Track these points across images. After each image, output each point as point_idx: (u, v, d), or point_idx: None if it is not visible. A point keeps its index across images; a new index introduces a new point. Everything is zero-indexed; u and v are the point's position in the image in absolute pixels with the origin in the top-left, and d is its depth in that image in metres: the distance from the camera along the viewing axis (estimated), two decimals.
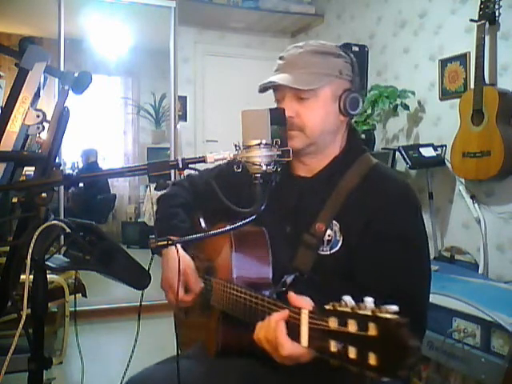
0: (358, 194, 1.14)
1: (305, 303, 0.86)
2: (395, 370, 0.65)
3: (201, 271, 1.27)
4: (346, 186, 1.16)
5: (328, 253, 1.14)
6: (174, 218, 1.31)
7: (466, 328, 1.99)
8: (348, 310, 0.72)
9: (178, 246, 1.24)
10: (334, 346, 0.73)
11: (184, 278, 1.21)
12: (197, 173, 1.43)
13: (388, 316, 0.67)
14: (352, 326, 0.70)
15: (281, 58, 1.20)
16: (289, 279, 1.12)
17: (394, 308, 0.69)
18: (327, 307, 0.76)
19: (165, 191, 1.39)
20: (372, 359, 0.67)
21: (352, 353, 0.70)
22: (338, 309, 0.74)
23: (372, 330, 0.67)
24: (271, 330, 0.88)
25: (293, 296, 0.89)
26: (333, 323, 0.73)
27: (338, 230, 1.14)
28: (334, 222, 1.15)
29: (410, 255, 1.11)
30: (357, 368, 0.70)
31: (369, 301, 0.71)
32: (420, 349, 1.05)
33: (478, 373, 1.92)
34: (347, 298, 0.74)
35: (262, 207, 1.00)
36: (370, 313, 0.69)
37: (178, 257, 1.15)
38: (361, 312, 0.70)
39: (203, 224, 1.32)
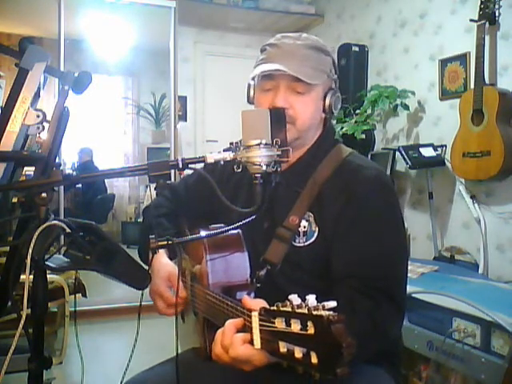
0: (332, 184, 1.15)
1: (255, 305, 0.86)
2: (333, 367, 0.65)
3: (188, 277, 1.27)
4: (319, 177, 1.17)
5: (303, 244, 1.15)
6: (157, 227, 1.31)
7: (466, 328, 1.99)
8: (289, 309, 0.72)
9: (163, 252, 1.24)
10: (283, 347, 0.73)
11: (170, 284, 1.20)
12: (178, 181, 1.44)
13: (321, 313, 0.66)
14: (295, 326, 0.70)
15: (271, 46, 1.18)
16: (261, 273, 1.13)
17: (332, 304, 0.69)
18: (273, 308, 0.76)
19: (148, 204, 1.40)
20: (314, 358, 0.67)
21: (298, 352, 0.70)
22: (281, 309, 0.74)
23: (310, 329, 0.67)
24: (223, 335, 0.89)
25: (246, 299, 0.90)
26: (280, 324, 0.73)
27: (313, 221, 1.15)
28: (309, 213, 1.15)
29: (385, 236, 1.11)
30: (303, 367, 0.70)
31: (311, 298, 0.71)
32: (393, 335, 1.05)
33: (477, 373, 1.92)
34: (292, 297, 0.74)
35: (263, 207, 1.00)
36: (306, 311, 0.69)
37: (179, 258, 1.15)
38: (299, 311, 0.70)
39: (187, 230, 1.32)
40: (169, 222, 1.34)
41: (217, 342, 0.91)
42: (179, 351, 1.13)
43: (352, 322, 0.68)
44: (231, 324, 0.89)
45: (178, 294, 1.18)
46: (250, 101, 1.25)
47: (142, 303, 1.11)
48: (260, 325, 0.80)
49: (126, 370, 1.16)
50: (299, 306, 0.71)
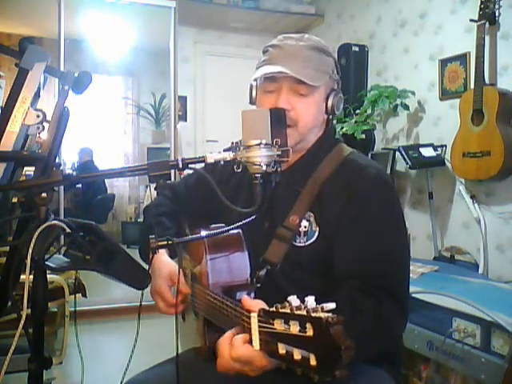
0: (333, 184, 1.15)
1: (255, 305, 0.86)
2: (332, 370, 0.64)
3: (188, 277, 1.27)
4: (320, 176, 1.17)
5: (304, 244, 1.15)
6: (158, 226, 1.30)
7: (466, 328, 1.99)
8: (288, 311, 0.72)
9: (164, 251, 1.24)
10: (282, 348, 0.73)
11: (171, 283, 1.20)
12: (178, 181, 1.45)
13: (320, 315, 0.66)
14: (294, 327, 0.70)
15: (274, 47, 1.18)
16: (261, 273, 1.13)
17: (331, 306, 0.69)
18: (271, 309, 0.76)
19: (148, 203, 1.40)
20: (312, 360, 0.67)
21: (297, 354, 0.70)
22: (280, 310, 0.73)
23: (309, 331, 0.67)
24: (224, 343, 0.89)
25: (246, 299, 0.90)
26: (279, 325, 0.73)
27: (314, 221, 1.15)
28: (310, 212, 1.15)
29: (386, 235, 1.11)
30: (302, 369, 0.70)
31: (310, 300, 0.71)
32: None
33: (477, 373, 1.92)
34: (292, 298, 0.73)
35: (263, 207, 1.00)
36: (305, 313, 0.68)
37: (180, 258, 1.14)
38: (297, 312, 0.70)
39: (187, 230, 1.32)
40: (169, 221, 1.34)
41: (219, 354, 0.91)
42: (179, 351, 1.13)
43: (355, 322, 0.68)
44: (230, 332, 0.89)
45: (181, 290, 1.18)
46: (252, 102, 1.25)
47: (142, 303, 1.11)
48: (259, 326, 0.80)
49: (126, 370, 1.16)
50: (298, 308, 0.71)
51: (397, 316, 1.09)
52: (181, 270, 1.15)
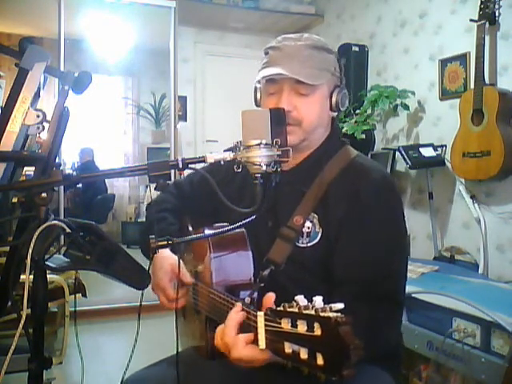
0: (338, 186, 1.15)
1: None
2: (340, 369, 0.65)
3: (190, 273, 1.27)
4: (325, 178, 1.16)
5: (306, 245, 1.14)
6: (162, 222, 1.30)
7: (466, 328, 1.99)
8: (296, 310, 0.72)
9: (167, 250, 1.23)
10: (288, 347, 0.73)
11: (173, 276, 1.19)
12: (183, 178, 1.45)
13: (329, 315, 0.66)
14: (301, 327, 0.70)
15: (273, 49, 1.19)
16: (265, 273, 1.13)
17: (339, 306, 0.69)
18: (279, 309, 0.76)
19: (153, 199, 1.40)
20: (319, 359, 0.67)
21: (303, 353, 0.70)
22: (288, 310, 0.74)
23: (317, 330, 0.67)
24: (226, 331, 0.89)
25: (269, 297, 0.90)
26: (286, 324, 0.73)
27: (317, 222, 1.15)
28: (313, 214, 1.15)
29: (385, 241, 1.11)
30: (308, 368, 0.70)
31: (318, 300, 0.71)
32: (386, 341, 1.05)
33: (477, 373, 1.92)
34: (299, 298, 0.74)
35: (263, 207, 1.00)
36: (313, 312, 0.69)
37: (179, 257, 1.14)
38: (306, 312, 0.70)
39: (191, 227, 1.32)
40: (173, 217, 1.33)
41: (217, 337, 0.91)
42: (179, 350, 1.12)
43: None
44: (233, 321, 0.88)
45: (184, 280, 1.17)
46: (257, 104, 1.26)
47: (142, 303, 1.11)
48: (265, 325, 0.80)
49: (126, 369, 1.15)
50: (306, 307, 0.71)
51: (392, 321, 1.10)
52: (181, 262, 1.15)
